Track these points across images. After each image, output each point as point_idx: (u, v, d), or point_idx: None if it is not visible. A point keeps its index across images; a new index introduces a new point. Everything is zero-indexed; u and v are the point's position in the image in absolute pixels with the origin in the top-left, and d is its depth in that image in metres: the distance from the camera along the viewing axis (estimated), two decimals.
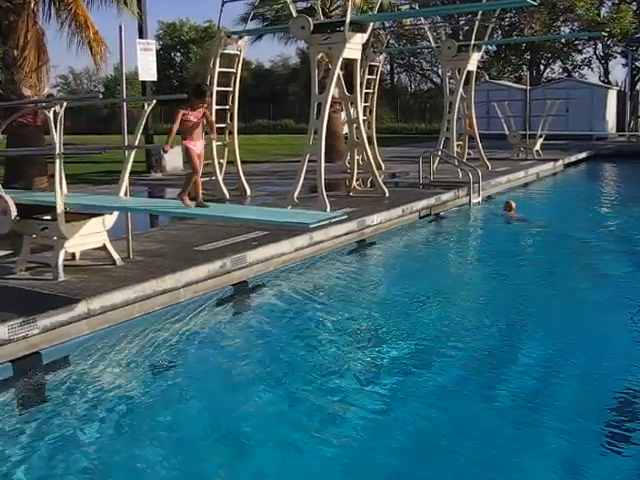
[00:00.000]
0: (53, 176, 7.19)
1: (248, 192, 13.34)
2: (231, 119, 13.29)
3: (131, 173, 7.95)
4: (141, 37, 17.39)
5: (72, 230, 7.14)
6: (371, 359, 5.95)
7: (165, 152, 7.42)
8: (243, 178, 13.41)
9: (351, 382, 5.45)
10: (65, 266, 7.03)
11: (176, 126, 7.12)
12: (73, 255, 7.57)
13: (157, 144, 19.10)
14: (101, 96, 9.48)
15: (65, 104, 7.02)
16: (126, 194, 7.91)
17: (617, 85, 42.49)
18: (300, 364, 5.89)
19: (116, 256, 7.48)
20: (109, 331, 6.29)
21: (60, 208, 7.00)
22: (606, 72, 48.30)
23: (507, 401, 5.13)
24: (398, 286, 8.50)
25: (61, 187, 7.15)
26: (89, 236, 7.35)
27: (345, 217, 7.78)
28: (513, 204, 12.95)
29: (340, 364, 5.83)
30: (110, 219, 7.48)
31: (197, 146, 7.34)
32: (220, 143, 13.24)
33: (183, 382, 5.54)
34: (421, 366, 5.80)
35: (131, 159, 7.79)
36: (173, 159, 18.84)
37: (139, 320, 6.58)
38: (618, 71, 60.92)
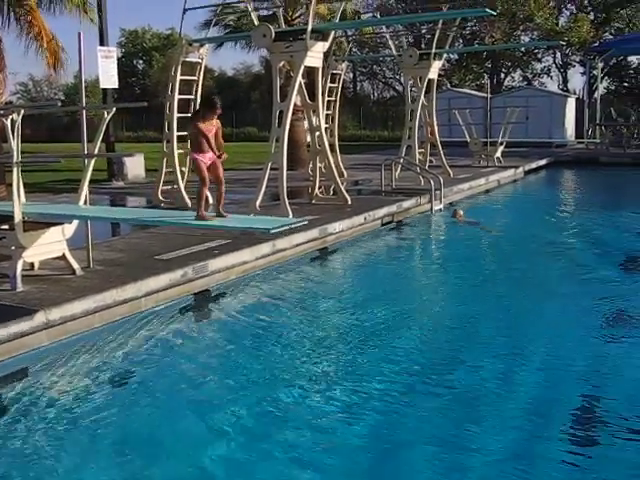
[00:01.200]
0: (11, 185, 7.10)
1: (210, 200, 13.24)
2: None
3: (92, 181, 7.89)
4: (102, 44, 17.27)
5: (30, 239, 7.05)
6: (330, 367, 5.96)
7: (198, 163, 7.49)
8: None
9: (308, 389, 5.46)
10: (24, 276, 6.93)
11: (205, 139, 7.20)
12: (32, 265, 7.48)
13: (118, 152, 18.99)
14: (60, 104, 9.41)
15: (22, 112, 6.94)
16: (86, 203, 7.84)
17: (575, 93, 43.16)
18: (260, 372, 5.87)
19: (76, 265, 7.41)
20: (69, 342, 6.22)
21: (18, 217, 6.91)
22: (565, 80, 49.06)
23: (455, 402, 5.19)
24: (358, 293, 8.54)
25: (19, 196, 7.07)
26: (48, 245, 7.26)
27: (306, 223, 7.81)
28: (460, 212, 13.40)
29: (298, 372, 5.84)
30: (69, 228, 7.41)
31: (206, 158, 7.36)
32: (182, 151, 13.18)
33: (141, 392, 5.49)
34: (376, 373, 5.82)
35: (91, 167, 7.71)
36: (135, 167, 18.73)
37: (99, 330, 6.51)
38: (577, 79, 61.96)
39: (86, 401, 5.25)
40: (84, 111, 7.98)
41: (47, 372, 5.70)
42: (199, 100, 13.11)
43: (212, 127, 7.33)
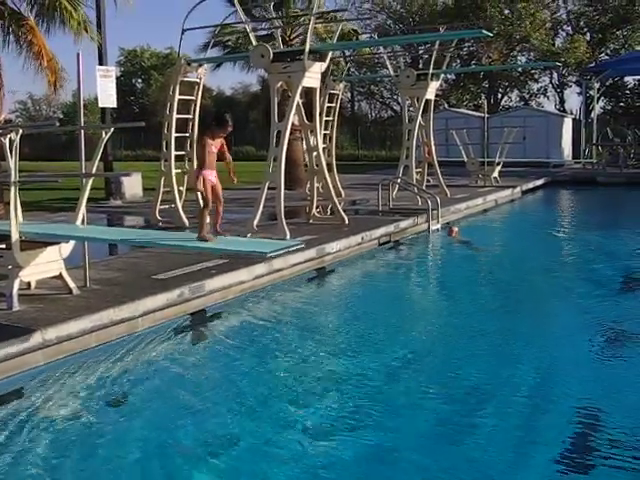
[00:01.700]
0: (8, 203, 7.10)
1: (207, 219, 13.25)
2: (190, 147, 13.25)
3: (90, 200, 7.89)
4: (101, 63, 17.36)
5: (27, 259, 7.04)
6: (327, 390, 5.93)
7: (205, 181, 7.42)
8: None
9: (304, 412, 5.44)
10: (20, 295, 6.92)
11: (207, 158, 7.15)
12: (28, 284, 7.46)
13: (116, 172, 19.03)
14: (58, 123, 9.42)
15: (21, 131, 6.96)
16: (83, 222, 7.84)
17: (572, 113, 43.43)
18: (257, 394, 5.85)
19: (72, 285, 7.39)
20: (65, 362, 6.19)
21: (15, 236, 6.91)
22: (562, 101, 49.42)
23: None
24: (355, 314, 8.52)
25: (16, 215, 7.07)
26: (45, 265, 7.25)
27: (302, 246, 7.81)
28: (455, 229, 13.80)
29: (295, 393, 5.82)
30: (67, 247, 7.40)
31: (213, 176, 7.32)
32: (179, 171, 13.21)
33: (136, 413, 5.46)
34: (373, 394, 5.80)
35: (88, 187, 7.71)
36: (132, 186, 18.75)
37: (96, 350, 6.49)
38: (573, 100, 62.40)
39: (79, 422, 5.22)
40: (82, 130, 7.99)
41: (42, 392, 5.67)
42: (197, 120, 13.16)
43: (219, 144, 7.29)
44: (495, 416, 5.36)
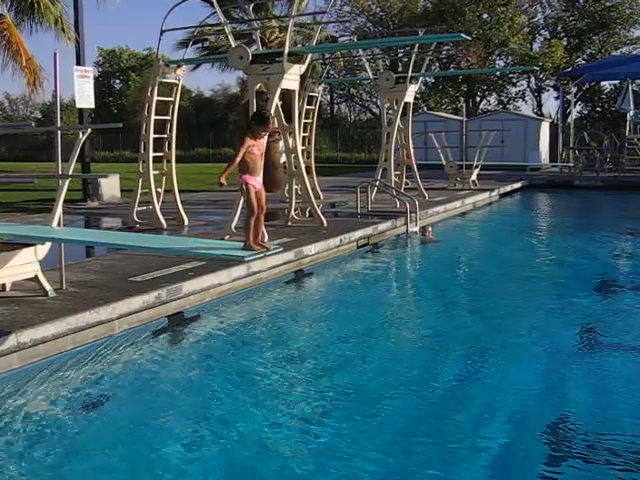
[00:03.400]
0: None
1: (186, 221, 13.24)
2: (169, 148, 13.20)
3: (67, 201, 7.83)
4: (79, 64, 17.23)
5: (2, 261, 6.97)
6: (304, 394, 5.92)
7: (221, 186, 6.77)
8: (181, 207, 13.29)
9: (281, 416, 5.43)
10: None
11: (240, 157, 6.56)
12: (3, 286, 7.39)
13: (92, 173, 18.90)
14: (34, 124, 9.31)
15: None
16: (60, 224, 7.78)
17: (550, 117, 43.77)
18: (233, 397, 5.83)
19: (48, 287, 7.33)
20: (40, 364, 6.13)
21: None
22: (539, 104, 49.83)
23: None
24: (333, 317, 8.52)
25: None
26: (20, 267, 7.18)
27: (281, 250, 7.78)
28: (429, 229, 14.15)
29: (271, 398, 5.80)
30: (42, 249, 7.33)
31: (257, 182, 6.74)
32: (158, 172, 13.15)
33: (111, 417, 5.43)
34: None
35: (65, 188, 7.64)
36: (110, 187, 18.63)
37: (72, 353, 6.43)
38: (551, 103, 62.84)
39: (54, 425, 5.17)
40: (59, 131, 7.92)
41: (17, 395, 5.61)
42: (175, 121, 13.10)
43: (261, 146, 6.72)
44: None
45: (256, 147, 6.71)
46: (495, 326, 8.05)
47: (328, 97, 52.93)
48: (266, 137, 7.02)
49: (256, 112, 7.15)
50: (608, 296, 9.66)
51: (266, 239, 8.28)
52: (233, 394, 5.87)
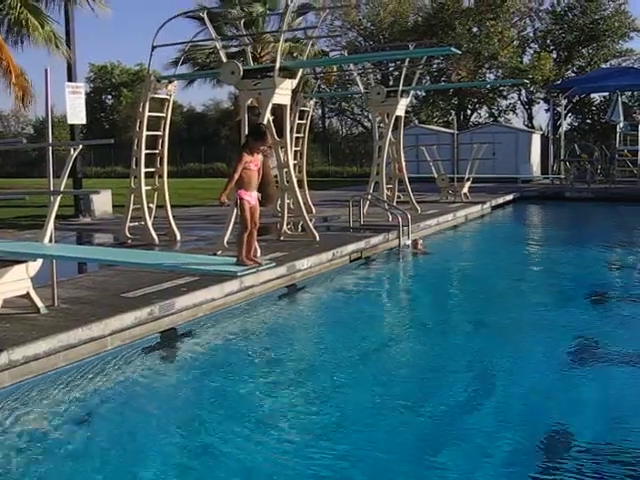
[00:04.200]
0: None
1: (178, 237, 13.22)
2: (161, 163, 13.20)
3: (59, 217, 7.80)
4: (70, 80, 17.24)
5: None
6: (298, 412, 5.90)
7: (222, 204, 7.03)
8: (173, 223, 13.27)
9: (272, 433, 5.41)
10: None
11: (238, 174, 6.62)
12: None
13: (84, 189, 18.87)
14: (25, 140, 9.31)
15: None
16: (51, 240, 7.76)
17: (540, 130, 43.98)
18: (228, 414, 5.80)
19: (40, 304, 7.29)
20: (32, 382, 6.09)
21: None
22: (530, 117, 50.13)
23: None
24: (326, 331, 8.51)
25: None
26: (12, 284, 7.13)
27: (273, 265, 7.77)
28: (420, 241, 14.04)
29: (265, 415, 5.77)
30: (34, 266, 7.30)
31: (252, 197, 6.81)
32: (150, 187, 13.14)
33: (102, 435, 5.40)
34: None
35: (56, 204, 7.62)
36: (102, 203, 18.59)
37: (64, 370, 6.39)
38: (541, 116, 62.96)
39: (46, 442, 5.14)
40: (50, 147, 7.92)
41: (7, 413, 5.57)
42: (167, 136, 13.10)
43: (258, 162, 6.75)
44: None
45: (253, 163, 6.73)
46: (489, 336, 8.05)
47: (320, 111, 53.10)
48: (261, 156, 7.02)
49: (253, 127, 7.14)
50: (603, 307, 9.70)
51: (259, 254, 8.29)
52: (223, 411, 5.85)
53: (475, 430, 5.35)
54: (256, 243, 7.37)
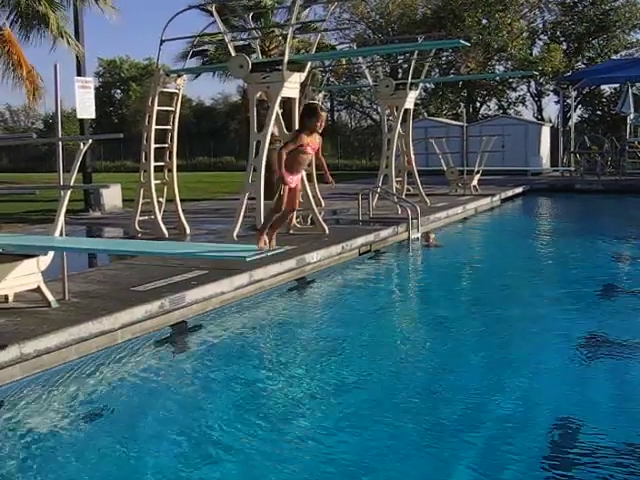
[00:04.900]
0: None
1: (188, 231, 13.25)
2: (170, 157, 13.23)
3: (69, 212, 7.83)
4: (79, 74, 17.28)
5: (4, 272, 6.98)
6: (307, 408, 5.91)
7: (283, 179, 6.86)
8: (182, 216, 13.30)
9: (286, 426, 5.42)
10: None
11: (285, 154, 6.44)
12: (6, 297, 7.39)
13: (93, 184, 18.92)
14: (35, 135, 9.35)
15: None
16: (62, 234, 7.79)
17: (550, 121, 43.81)
18: (236, 408, 5.82)
19: (51, 298, 7.33)
20: (44, 375, 6.13)
21: None
22: (539, 109, 49.87)
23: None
24: (335, 324, 8.51)
25: None
26: (22, 278, 7.18)
27: (282, 250, 7.78)
28: (432, 235, 13.90)
29: (276, 409, 5.79)
30: (45, 260, 7.34)
31: (294, 180, 6.71)
32: (159, 181, 13.17)
33: (113, 427, 5.43)
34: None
35: (67, 198, 7.66)
36: (112, 197, 18.64)
37: (75, 363, 6.43)
38: (551, 108, 62.87)
39: (58, 436, 5.17)
40: (60, 142, 7.95)
41: (19, 407, 5.61)
42: (176, 130, 13.12)
43: (316, 144, 6.55)
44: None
45: (310, 146, 6.57)
46: (499, 330, 8.05)
47: (328, 104, 53.01)
48: (320, 137, 6.81)
49: (304, 107, 6.94)
50: (614, 300, 9.67)
51: (274, 243, 8.31)
52: (233, 404, 5.87)
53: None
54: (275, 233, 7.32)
